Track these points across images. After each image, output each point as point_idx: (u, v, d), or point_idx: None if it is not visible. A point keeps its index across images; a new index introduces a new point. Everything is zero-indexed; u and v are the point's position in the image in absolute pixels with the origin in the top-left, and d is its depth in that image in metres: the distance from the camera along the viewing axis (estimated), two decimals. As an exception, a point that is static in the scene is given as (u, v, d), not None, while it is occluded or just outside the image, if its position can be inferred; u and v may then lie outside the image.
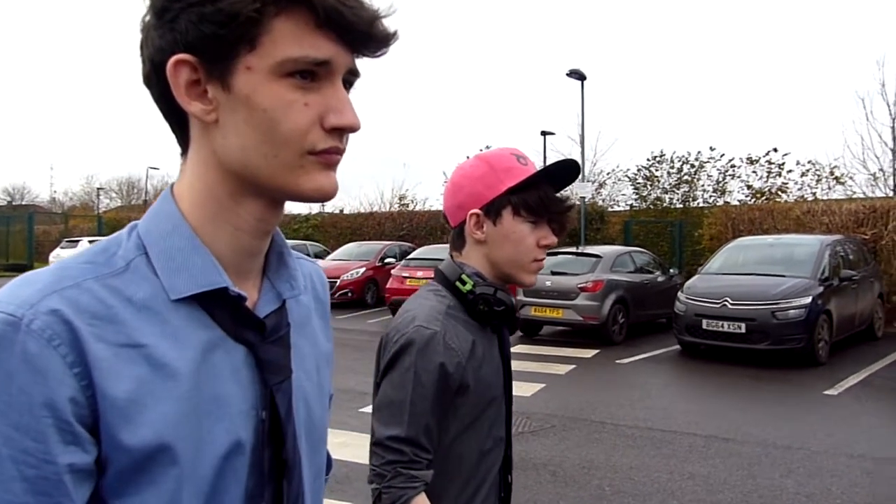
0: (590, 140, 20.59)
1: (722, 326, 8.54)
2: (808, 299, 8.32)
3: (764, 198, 16.97)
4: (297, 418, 0.75)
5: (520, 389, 6.96)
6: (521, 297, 10.29)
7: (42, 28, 74.46)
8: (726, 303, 8.57)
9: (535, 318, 10.23)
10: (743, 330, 8.37)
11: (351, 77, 0.69)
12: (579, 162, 1.21)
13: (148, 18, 0.66)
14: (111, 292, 0.64)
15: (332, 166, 0.68)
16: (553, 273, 10.15)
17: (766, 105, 38.14)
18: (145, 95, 0.70)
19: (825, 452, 5.12)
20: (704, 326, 8.66)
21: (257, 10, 0.61)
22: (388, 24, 0.66)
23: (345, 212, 23.13)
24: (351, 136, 0.69)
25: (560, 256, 10.50)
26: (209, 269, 0.68)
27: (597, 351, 9.39)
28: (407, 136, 47.62)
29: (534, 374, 7.79)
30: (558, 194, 1.36)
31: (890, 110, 16.27)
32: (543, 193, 1.32)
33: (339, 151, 0.68)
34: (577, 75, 15.36)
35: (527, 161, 1.35)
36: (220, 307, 0.69)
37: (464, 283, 1.32)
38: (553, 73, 16.51)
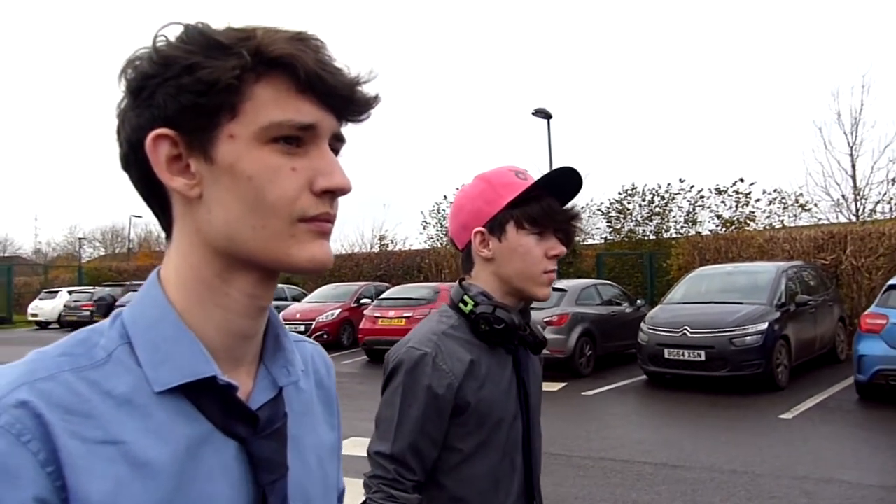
0: (562, 176, 20.87)
1: (683, 355, 8.70)
2: (765, 325, 8.51)
3: (733, 227, 17.31)
4: None
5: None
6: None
7: (23, 78, 75.14)
8: (686, 331, 8.75)
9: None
10: (703, 358, 8.53)
11: (337, 143, 0.68)
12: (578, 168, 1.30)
13: (124, 102, 0.65)
14: (89, 386, 0.60)
15: (324, 234, 0.65)
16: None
17: (731, 136, 39.19)
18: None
19: (769, 475, 5.25)
20: (666, 356, 8.82)
21: (237, 77, 0.60)
22: (370, 88, 0.66)
23: (349, 252, 23.21)
24: (338, 204, 0.67)
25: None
26: (196, 358, 0.64)
27: (564, 384, 9.50)
28: (386, 177, 48.31)
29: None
30: (573, 203, 1.36)
31: (847, 139, 16.76)
32: (546, 204, 1.32)
33: (331, 218, 0.66)
34: (543, 114, 15.81)
35: (526, 176, 1.36)
36: (208, 399, 0.64)
37: (465, 303, 1.32)
38: (523, 111, 17.12)
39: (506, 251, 1.32)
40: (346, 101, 0.65)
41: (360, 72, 0.65)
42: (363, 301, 14.70)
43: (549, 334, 9.91)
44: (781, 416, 7.22)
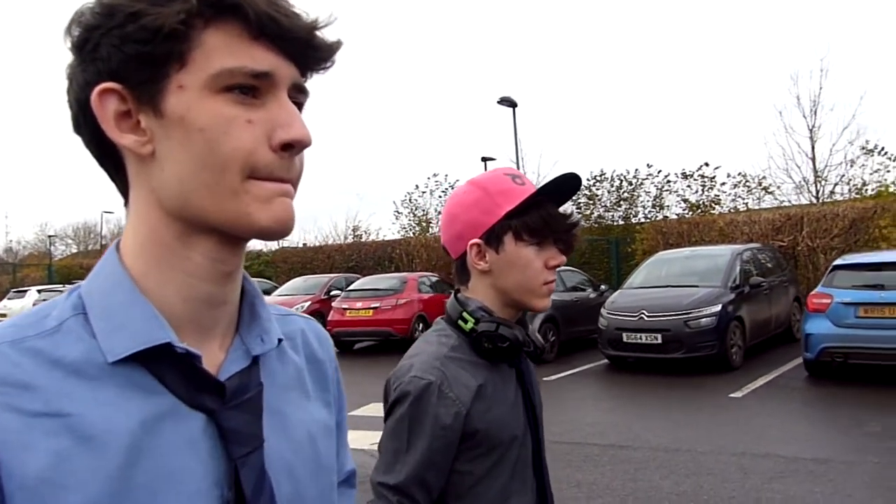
0: (531, 163, 21.12)
1: (640, 338, 8.92)
2: (718, 307, 8.75)
3: (700, 211, 17.60)
4: (279, 495, 0.64)
5: (440, 412, 7.21)
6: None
7: (-10, 77, 73.57)
8: (643, 315, 8.96)
9: (469, 342, 10.50)
10: (659, 340, 8.75)
11: (299, 96, 0.63)
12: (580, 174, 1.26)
13: (72, 60, 0.61)
14: (32, 355, 0.57)
15: (286, 193, 0.61)
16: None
17: (696, 121, 39.86)
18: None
19: (710, 452, 5.45)
20: (624, 339, 9.03)
21: (183, 23, 0.56)
22: (330, 32, 0.62)
23: (307, 246, 23.17)
24: (306, 171, 0.64)
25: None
26: (150, 324, 0.60)
27: (527, 370, 9.67)
28: (360, 167, 48.17)
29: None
30: (561, 210, 1.30)
31: (807, 122, 17.13)
32: (545, 213, 1.26)
33: (293, 181, 0.62)
34: (508, 103, 15.94)
35: (523, 180, 1.29)
36: (169, 369, 0.60)
37: (465, 321, 1.26)
38: (491, 99, 17.27)
39: (504, 263, 1.26)
40: (304, 46, 0.61)
41: (318, 15, 0.61)
42: (333, 293, 14.75)
43: (512, 321, 10.20)
44: (732, 395, 7.45)
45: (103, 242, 42.59)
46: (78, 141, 0.65)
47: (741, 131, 36.21)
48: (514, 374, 1.30)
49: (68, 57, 0.61)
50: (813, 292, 8.15)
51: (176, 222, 0.61)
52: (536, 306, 1.29)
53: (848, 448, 5.44)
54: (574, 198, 18.28)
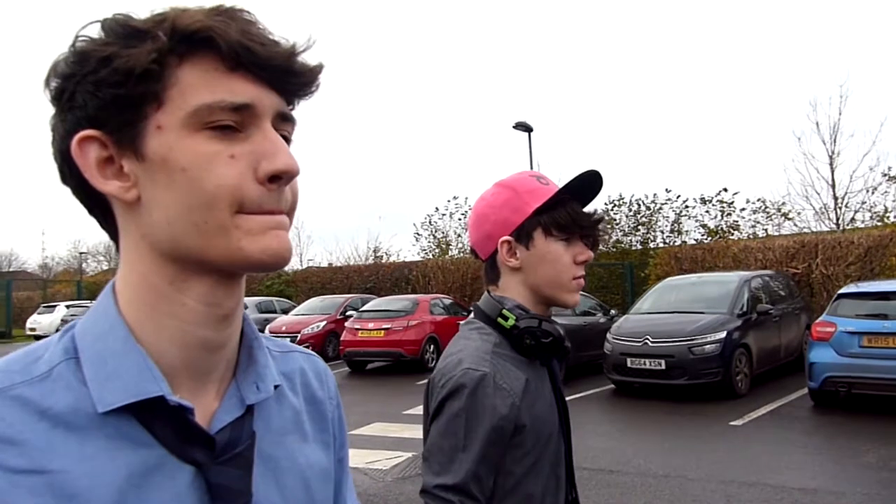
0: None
1: (644, 364, 8.91)
2: (723, 334, 8.72)
3: (717, 236, 17.51)
4: None
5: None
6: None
7: (31, 89, 76.19)
8: (647, 341, 8.96)
9: (476, 364, 10.58)
10: (663, 366, 8.74)
11: (285, 125, 0.62)
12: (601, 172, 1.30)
13: (52, 113, 0.60)
14: (20, 406, 0.55)
15: (279, 226, 0.60)
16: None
17: (715, 146, 39.60)
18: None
19: (699, 479, 5.45)
20: (629, 364, 9.03)
21: (156, 62, 0.56)
22: (309, 57, 0.60)
23: (332, 266, 23.43)
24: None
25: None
26: (143, 376, 0.58)
27: (532, 393, 9.71)
28: (382, 189, 48.66)
29: (460, 418, 8.10)
30: (585, 209, 1.34)
31: (826, 148, 16.99)
32: (571, 209, 1.30)
33: (283, 211, 0.61)
34: (524, 127, 16.10)
35: (548, 181, 1.34)
36: (161, 421, 0.59)
37: (506, 318, 1.27)
38: (510, 123, 17.43)
39: (534, 259, 1.30)
40: (284, 73, 0.59)
41: (297, 40, 0.60)
42: (349, 313, 14.96)
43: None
44: (732, 423, 7.41)
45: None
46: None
47: (761, 157, 36.03)
48: (546, 373, 1.32)
49: (50, 110, 0.61)
50: (817, 321, 8.09)
51: (168, 266, 0.60)
52: (567, 301, 1.32)
53: (839, 478, 5.40)
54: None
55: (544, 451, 1.25)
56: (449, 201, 24.04)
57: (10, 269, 46.72)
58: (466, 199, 23.55)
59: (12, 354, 0.59)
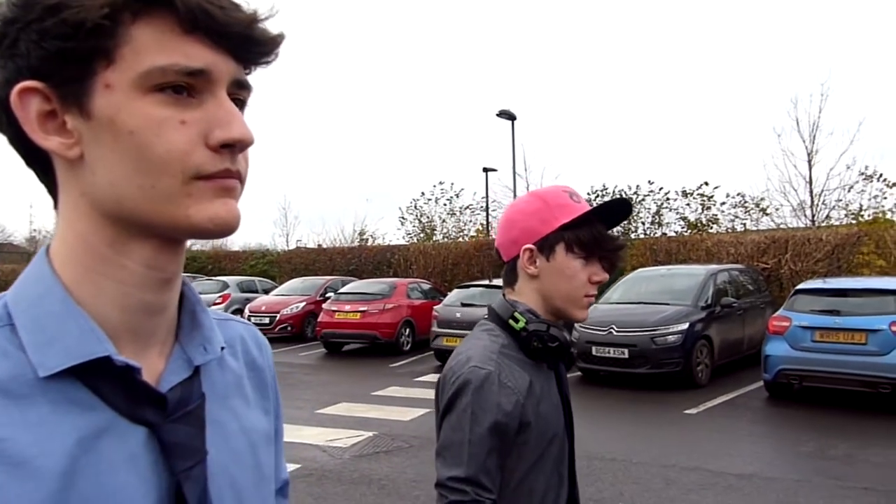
0: (535, 176, 21.40)
1: (609, 352, 9.15)
2: (685, 325, 8.96)
3: (697, 230, 17.77)
4: None
5: (401, 414, 7.51)
6: (434, 329, 10.91)
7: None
8: (612, 330, 9.20)
9: (447, 348, 10.80)
10: (626, 355, 8.98)
11: (241, 92, 0.60)
12: (631, 200, 1.26)
13: None
14: None
15: (228, 191, 0.58)
16: (463, 305, 10.79)
17: (698, 140, 39.83)
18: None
19: (643, 463, 5.70)
20: (594, 353, 9.26)
21: (108, 17, 0.53)
22: (271, 25, 0.58)
23: (321, 247, 23.57)
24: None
25: (469, 289, 11.14)
26: (86, 336, 0.57)
27: (500, 378, 9.95)
28: (369, 172, 48.69)
29: (422, 401, 8.29)
30: (610, 232, 1.39)
31: (805, 146, 17.24)
32: (596, 231, 1.35)
33: (233, 174, 0.58)
34: (507, 115, 16.23)
35: (579, 199, 1.38)
36: (107, 383, 0.57)
37: (516, 320, 1.33)
38: (495, 111, 17.55)
39: (552, 271, 1.35)
40: (243, 40, 0.57)
41: (258, 7, 0.58)
42: (328, 295, 15.13)
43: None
44: (686, 412, 7.67)
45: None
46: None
47: (742, 152, 36.28)
48: (553, 377, 1.39)
49: None
50: (774, 315, 8.36)
51: (108, 227, 0.58)
52: (577, 316, 1.39)
53: (774, 465, 5.66)
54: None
55: (548, 450, 1.30)
56: (434, 186, 24.16)
57: (-3, 242, 46.53)
58: (452, 184, 23.74)
59: None
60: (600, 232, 1.36)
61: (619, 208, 1.39)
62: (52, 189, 0.61)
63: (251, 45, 0.58)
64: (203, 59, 0.56)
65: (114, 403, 0.58)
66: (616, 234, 1.39)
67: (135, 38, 0.54)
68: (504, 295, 1.42)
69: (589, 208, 1.36)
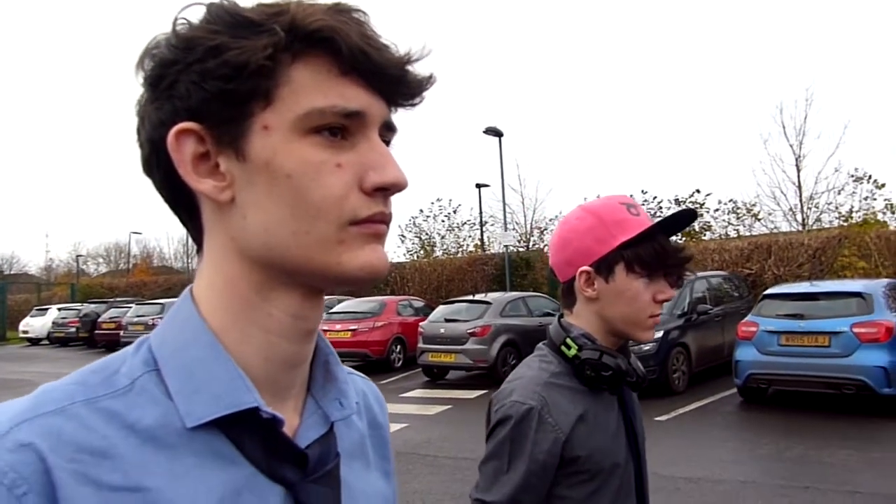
0: (529, 190, 21.64)
1: (585, 363, 9.28)
2: (660, 334, 9.07)
3: (690, 237, 17.87)
4: None
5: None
6: (420, 345, 11.11)
7: (35, 93, 76.97)
8: (588, 341, 9.33)
9: (432, 364, 11.00)
10: (602, 365, 9.11)
11: (388, 133, 0.60)
12: (694, 211, 1.33)
13: (143, 97, 0.57)
14: (107, 418, 0.52)
15: (378, 237, 0.57)
16: (447, 320, 11.00)
17: (690, 149, 39.99)
18: (131, 160, 0.60)
19: (599, 470, 5.85)
20: (571, 364, 9.40)
21: (270, 58, 0.53)
22: (422, 67, 0.58)
23: None
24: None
25: (454, 305, 11.36)
26: (235, 385, 0.55)
27: (482, 391, 10.09)
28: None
29: (407, 416, 8.50)
30: (674, 241, 1.29)
31: (793, 150, 17.37)
32: (658, 246, 1.25)
33: (386, 219, 0.58)
34: (494, 132, 16.48)
35: (638, 211, 1.29)
36: (249, 436, 0.56)
37: (568, 347, 1.27)
38: (480, 127, 17.86)
39: (612, 293, 1.27)
40: (396, 82, 0.57)
41: (410, 48, 0.57)
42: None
43: (472, 345, 10.69)
44: (657, 419, 7.78)
45: (133, 262, 44.13)
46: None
47: (733, 159, 36.49)
48: (615, 403, 1.31)
49: (138, 92, 0.58)
50: (743, 321, 8.48)
51: (255, 272, 0.57)
52: (641, 338, 1.30)
53: (727, 468, 5.80)
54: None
55: (607, 481, 1.24)
56: (433, 203, 24.47)
57: (11, 272, 47.37)
58: (450, 201, 23.98)
59: (85, 368, 0.56)
60: (663, 246, 1.26)
61: (683, 217, 1.30)
62: (198, 233, 0.60)
63: (403, 86, 0.58)
64: (359, 100, 0.55)
65: (254, 458, 0.56)
66: (680, 245, 1.31)
67: (293, 80, 0.54)
68: (560, 317, 1.35)
69: (650, 223, 1.27)
